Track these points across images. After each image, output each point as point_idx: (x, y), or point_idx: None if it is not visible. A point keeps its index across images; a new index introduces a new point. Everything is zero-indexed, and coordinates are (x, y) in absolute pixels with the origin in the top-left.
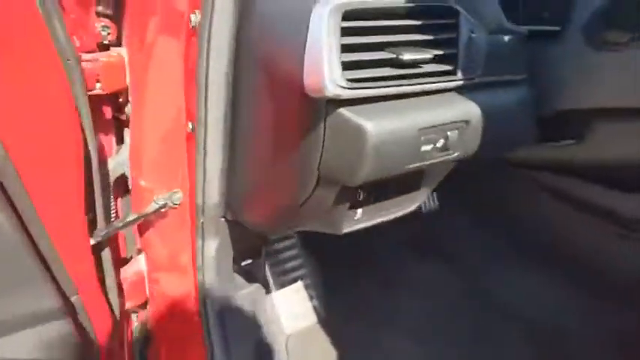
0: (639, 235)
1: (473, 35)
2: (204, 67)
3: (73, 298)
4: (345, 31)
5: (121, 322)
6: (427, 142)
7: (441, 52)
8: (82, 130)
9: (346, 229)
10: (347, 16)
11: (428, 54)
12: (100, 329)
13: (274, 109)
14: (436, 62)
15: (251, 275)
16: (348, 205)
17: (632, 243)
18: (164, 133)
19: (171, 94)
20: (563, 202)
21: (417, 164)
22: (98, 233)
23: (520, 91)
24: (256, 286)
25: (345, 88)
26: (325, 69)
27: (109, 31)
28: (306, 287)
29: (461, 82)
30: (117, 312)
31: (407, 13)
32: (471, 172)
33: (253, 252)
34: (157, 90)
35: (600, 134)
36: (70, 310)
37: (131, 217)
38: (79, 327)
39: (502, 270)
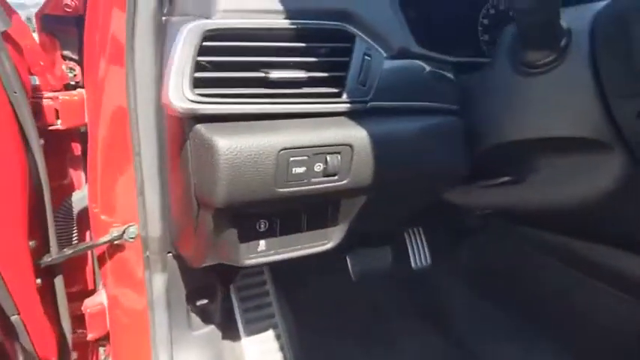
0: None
1: (367, 59)
2: (133, 100)
3: (12, 318)
4: (209, 50)
5: (85, 353)
6: (298, 165)
7: (325, 75)
8: (30, 159)
9: (249, 262)
10: (213, 36)
11: (301, 74)
12: (44, 354)
13: (166, 135)
14: (325, 84)
15: (207, 315)
16: (246, 235)
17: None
18: (116, 167)
19: (120, 129)
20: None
21: (294, 189)
22: (46, 258)
23: (441, 120)
24: (212, 328)
25: (194, 102)
26: (171, 84)
27: (75, 73)
28: (278, 331)
29: (348, 106)
30: (69, 340)
31: (297, 35)
32: (467, 230)
33: (208, 290)
34: (107, 125)
35: (539, 170)
36: (9, 329)
37: (81, 246)
38: (22, 349)
39: (496, 337)
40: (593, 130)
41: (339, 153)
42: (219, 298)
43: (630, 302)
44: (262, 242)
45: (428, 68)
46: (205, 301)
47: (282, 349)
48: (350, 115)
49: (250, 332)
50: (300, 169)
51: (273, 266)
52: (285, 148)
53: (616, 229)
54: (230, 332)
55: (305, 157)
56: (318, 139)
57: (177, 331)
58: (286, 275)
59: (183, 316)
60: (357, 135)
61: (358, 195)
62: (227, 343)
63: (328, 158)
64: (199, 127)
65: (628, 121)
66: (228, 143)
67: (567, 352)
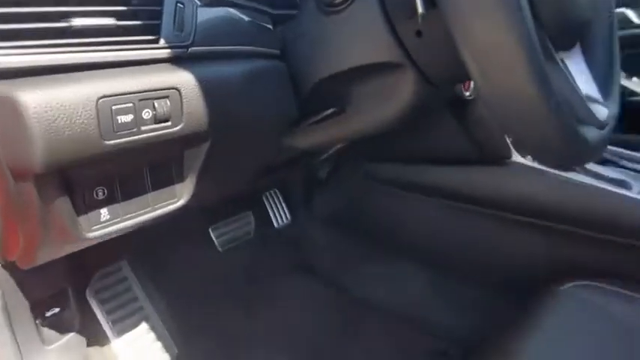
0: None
1: (180, 6)
2: None
3: None
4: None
5: None
6: (123, 113)
7: (138, 23)
8: None
9: (92, 234)
10: None
11: (109, 21)
12: None
13: None
14: (139, 33)
15: (63, 325)
16: (84, 205)
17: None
18: None
19: None
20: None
21: (125, 139)
22: None
23: (264, 64)
24: (72, 337)
25: None
26: None
27: None
28: (152, 323)
29: (169, 52)
30: None
31: None
32: (319, 181)
33: (58, 299)
34: None
35: (352, 100)
36: None
37: None
38: None
39: (362, 269)
40: (385, 54)
41: (167, 97)
42: (74, 305)
43: (471, 211)
44: (104, 210)
45: (246, 17)
46: (56, 311)
47: (159, 338)
48: (172, 60)
49: (120, 332)
50: (127, 118)
51: (132, 259)
52: (105, 96)
53: (430, 147)
54: (96, 337)
55: (130, 105)
56: (141, 85)
57: (28, 347)
58: (149, 265)
59: (32, 331)
60: (182, 79)
61: (197, 144)
62: (94, 349)
63: (156, 104)
64: None
65: (410, 41)
66: (33, 97)
67: (426, 268)
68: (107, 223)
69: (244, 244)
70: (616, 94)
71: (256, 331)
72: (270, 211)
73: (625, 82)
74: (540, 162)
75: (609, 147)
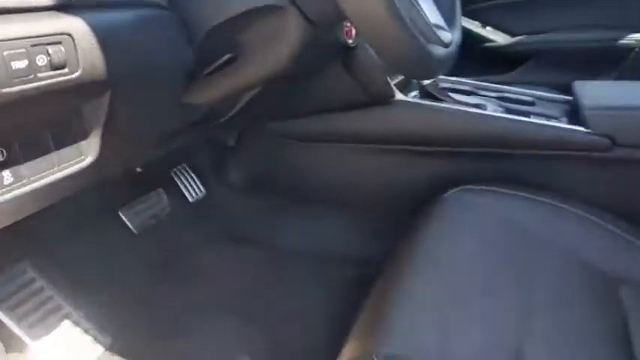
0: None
1: None
2: None
3: None
4: None
5: None
6: (17, 59)
7: None
8: None
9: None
10: None
11: None
12: None
13: None
14: None
15: None
16: None
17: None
18: None
19: None
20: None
21: (21, 87)
22: None
23: (153, 12)
24: None
25: None
26: None
27: None
28: (74, 319)
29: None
30: None
31: None
32: (229, 149)
33: None
34: None
35: (244, 47)
36: None
37: None
38: None
39: (283, 223)
40: None
41: (60, 43)
42: None
43: (368, 150)
44: (6, 173)
45: None
46: None
47: (87, 332)
48: (61, 8)
49: (40, 335)
50: (21, 64)
51: (37, 258)
52: None
53: (323, 97)
54: (12, 347)
55: (22, 50)
56: (32, 30)
57: None
58: (58, 260)
59: None
60: (73, 25)
61: (97, 94)
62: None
63: (50, 50)
64: None
65: None
66: None
67: (340, 209)
68: (12, 186)
69: (161, 224)
70: (459, 23)
71: (194, 305)
72: (182, 186)
73: (480, 31)
74: (403, 74)
75: (470, 81)
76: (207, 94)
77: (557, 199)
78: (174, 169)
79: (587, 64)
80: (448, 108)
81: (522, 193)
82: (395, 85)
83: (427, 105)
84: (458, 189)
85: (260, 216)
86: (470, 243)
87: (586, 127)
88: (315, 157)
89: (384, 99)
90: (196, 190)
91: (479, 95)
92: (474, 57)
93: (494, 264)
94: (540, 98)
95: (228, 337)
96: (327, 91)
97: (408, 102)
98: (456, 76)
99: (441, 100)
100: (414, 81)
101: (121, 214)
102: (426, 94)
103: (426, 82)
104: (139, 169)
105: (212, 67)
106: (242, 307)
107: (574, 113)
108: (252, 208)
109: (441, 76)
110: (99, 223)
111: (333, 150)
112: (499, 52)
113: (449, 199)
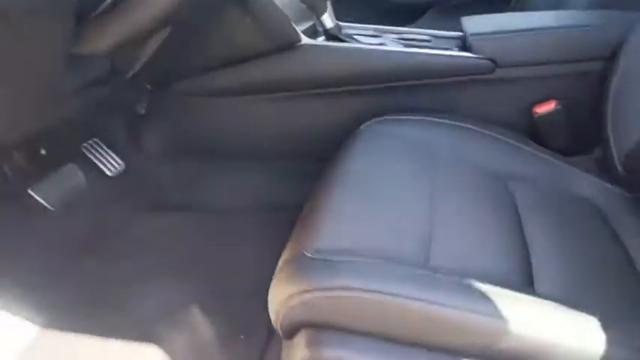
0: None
1: None
2: None
3: None
4: None
5: None
6: None
7: None
8: None
9: None
10: None
11: None
12: None
13: None
14: None
15: None
16: None
17: None
18: None
19: None
20: None
21: None
22: None
23: None
24: None
25: None
26: None
27: None
28: None
29: None
30: None
31: None
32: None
33: None
34: None
35: None
36: None
37: None
38: None
39: (212, 183)
40: None
41: None
42: None
43: (282, 98)
44: None
45: None
46: None
47: (12, 328)
48: None
49: None
50: None
51: None
52: None
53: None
54: None
55: None
56: None
57: None
58: None
59: None
60: None
61: None
62: None
63: None
64: None
65: None
66: None
67: (267, 161)
68: None
69: (82, 201)
70: None
71: (132, 276)
72: (96, 161)
73: None
74: None
75: (372, 25)
76: (100, 41)
77: (455, 119)
78: (85, 145)
79: (479, 11)
80: (353, 47)
81: (427, 118)
82: (302, 31)
83: (333, 46)
84: (370, 122)
85: (184, 180)
86: (383, 163)
87: (472, 53)
88: (228, 112)
89: (291, 44)
90: (113, 163)
91: (380, 37)
92: (376, 10)
93: (406, 176)
94: (435, 36)
95: (175, 298)
96: (232, 41)
97: (316, 45)
98: None
99: (345, 42)
100: (320, 28)
101: (31, 192)
102: (331, 37)
103: (330, 25)
104: (43, 151)
105: (100, 9)
106: (183, 270)
107: (463, 44)
108: (174, 174)
109: (346, 23)
110: (6, 204)
111: (246, 102)
112: (401, 3)
113: (363, 131)
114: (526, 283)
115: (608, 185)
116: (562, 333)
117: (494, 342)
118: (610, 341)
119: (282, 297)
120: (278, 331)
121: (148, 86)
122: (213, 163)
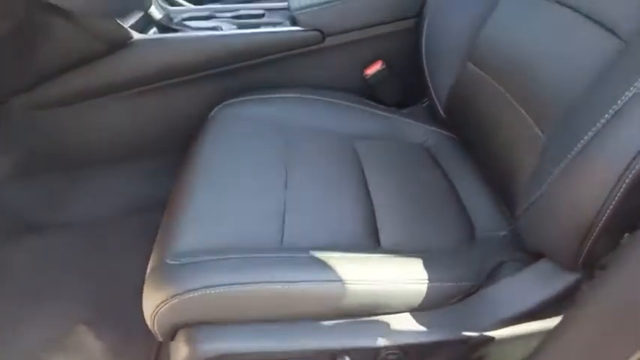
0: None
1: None
2: None
3: None
4: None
5: None
6: None
7: None
8: None
9: None
10: None
11: None
12: None
13: None
14: None
15: None
16: None
17: None
18: None
19: None
20: None
21: None
22: None
23: None
24: None
25: None
26: None
27: None
28: None
29: None
30: None
31: None
32: None
33: None
34: None
35: None
36: None
37: None
38: None
39: (71, 195)
40: None
41: None
42: None
43: (128, 96)
44: None
45: None
46: None
47: None
48: None
49: None
50: None
51: None
52: None
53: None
54: None
55: None
56: None
57: None
58: None
59: None
60: None
61: None
62: None
63: None
64: None
65: None
66: None
67: (126, 167)
68: None
69: None
70: None
71: (18, 304)
72: None
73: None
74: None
75: (205, 6)
76: None
77: (297, 92)
78: None
79: None
80: (186, 37)
81: (271, 96)
82: (131, 27)
83: (164, 38)
84: (217, 108)
85: (49, 196)
86: (234, 150)
87: (299, 26)
88: (76, 119)
89: (122, 42)
90: None
91: (216, 18)
92: None
93: (258, 159)
94: (269, 9)
95: (62, 321)
96: (62, 49)
97: (147, 39)
98: None
99: (178, 31)
100: (152, 20)
101: None
102: (163, 28)
103: (159, 16)
104: None
105: None
106: (67, 290)
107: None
108: (37, 191)
109: (176, 7)
110: None
111: (92, 107)
112: None
113: (211, 119)
114: (373, 242)
115: (435, 129)
116: (397, 277)
117: (349, 302)
118: (432, 277)
119: (152, 306)
120: (157, 337)
121: None
122: (77, 173)
